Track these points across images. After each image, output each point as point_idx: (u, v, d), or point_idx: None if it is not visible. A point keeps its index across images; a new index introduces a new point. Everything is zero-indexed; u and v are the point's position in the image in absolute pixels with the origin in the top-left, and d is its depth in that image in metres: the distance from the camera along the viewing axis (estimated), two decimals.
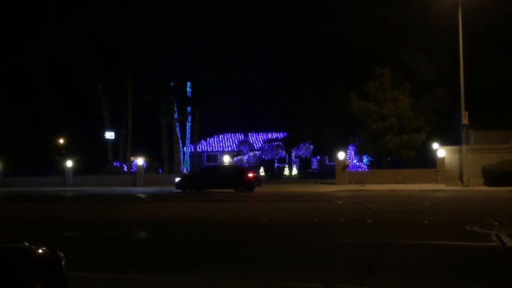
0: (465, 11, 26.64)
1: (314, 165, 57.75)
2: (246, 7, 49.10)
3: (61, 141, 53.00)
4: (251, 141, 58.61)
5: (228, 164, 36.82)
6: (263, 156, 56.07)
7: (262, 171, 52.61)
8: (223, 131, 61.50)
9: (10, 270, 3.23)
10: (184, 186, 27.76)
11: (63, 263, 3.48)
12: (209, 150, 60.61)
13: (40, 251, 3.48)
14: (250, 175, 27.50)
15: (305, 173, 52.54)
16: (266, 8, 52.94)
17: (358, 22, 38.65)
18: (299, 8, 51.04)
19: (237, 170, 29.71)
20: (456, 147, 27.92)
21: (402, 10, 34.29)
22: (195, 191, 27.34)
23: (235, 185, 26.64)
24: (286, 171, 53.66)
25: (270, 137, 59.47)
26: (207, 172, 30.12)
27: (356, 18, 39.37)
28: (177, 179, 28.90)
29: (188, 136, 47.11)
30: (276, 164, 55.95)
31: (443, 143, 31.06)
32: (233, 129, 61.06)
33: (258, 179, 28.26)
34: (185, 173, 30.79)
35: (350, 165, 35.41)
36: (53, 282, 3.38)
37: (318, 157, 56.67)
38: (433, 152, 30.42)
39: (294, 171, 54.09)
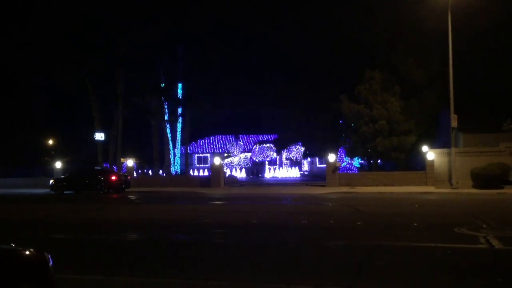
0: (454, 16, 26.85)
1: (305, 167, 57.84)
2: (238, 9, 49.13)
3: (51, 142, 52.57)
4: (242, 143, 58.56)
5: (99, 168, 36.94)
6: (254, 158, 56.04)
7: (239, 173, 52.60)
8: (214, 133, 61.40)
9: None
10: (57, 188, 29.55)
11: (50, 264, 3.45)
12: (199, 151, 60.49)
13: (27, 252, 3.45)
14: (113, 178, 29.39)
15: (297, 175, 52.56)
16: (257, 11, 53.04)
17: (349, 25, 38.92)
18: (290, 11, 51.22)
19: (103, 173, 30.51)
20: (445, 150, 28.13)
21: (392, 14, 34.57)
22: (69, 192, 29.08)
23: (101, 187, 28.79)
24: (278, 173, 53.69)
25: (261, 139, 59.47)
26: (78, 175, 30.96)
27: (346, 21, 39.64)
28: (51, 181, 30.52)
29: (178, 137, 46.97)
30: (267, 166, 55.93)
31: (433, 145, 31.28)
32: (224, 131, 60.98)
33: (123, 182, 29.86)
34: (62, 176, 32.50)
35: (340, 167, 35.52)
36: (40, 283, 3.35)
37: (309, 159, 56.78)
38: (423, 155, 30.62)
39: (285, 173, 54.12)
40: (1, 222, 14.64)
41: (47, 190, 30.61)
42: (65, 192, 29.44)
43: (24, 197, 27.17)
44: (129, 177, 31.97)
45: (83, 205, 21.72)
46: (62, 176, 32.10)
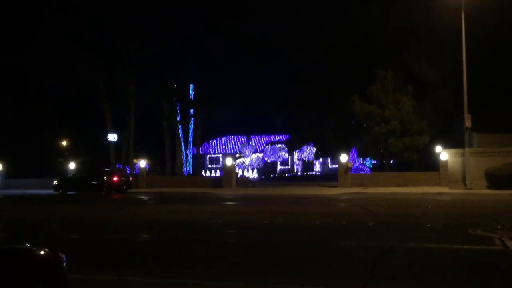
0: (468, 14, 26.58)
1: (317, 167, 57.71)
2: (250, 9, 49.14)
3: (64, 143, 53.06)
4: (254, 144, 58.60)
5: (102, 168, 36.93)
6: (266, 159, 56.03)
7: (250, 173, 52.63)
8: (225, 133, 61.47)
9: (12, 271, 3.23)
10: (60, 188, 29.99)
11: (64, 264, 3.48)
12: (211, 152, 60.63)
13: (42, 252, 3.49)
14: (115, 179, 29.68)
15: (308, 176, 52.45)
16: (269, 11, 53.04)
17: (361, 25, 38.64)
18: (302, 11, 51.13)
19: (105, 174, 30.63)
20: (459, 150, 27.83)
21: (405, 13, 34.25)
22: (71, 193, 29.49)
23: (103, 188, 29.27)
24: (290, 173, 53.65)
25: (272, 140, 59.45)
26: (81, 175, 31.38)
27: (359, 21, 39.36)
28: (54, 182, 30.87)
29: (190, 138, 47.14)
30: (278, 166, 55.91)
31: (446, 146, 30.93)
32: (235, 132, 61.03)
33: (124, 183, 30.07)
34: (66, 177, 32.73)
35: (353, 168, 35.35)
36: (54, 283, 3.38)
37: (321, 159, 56.64)
38: (436, 155, 30.32)
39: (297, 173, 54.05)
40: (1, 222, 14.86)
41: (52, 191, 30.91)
42: (68, 192, 29.75)
43: (28, 198, 27.44)
44: (131, 178, 32.17)
45: (74, 205, 21.84)
46: (65, 177, 32.40)
